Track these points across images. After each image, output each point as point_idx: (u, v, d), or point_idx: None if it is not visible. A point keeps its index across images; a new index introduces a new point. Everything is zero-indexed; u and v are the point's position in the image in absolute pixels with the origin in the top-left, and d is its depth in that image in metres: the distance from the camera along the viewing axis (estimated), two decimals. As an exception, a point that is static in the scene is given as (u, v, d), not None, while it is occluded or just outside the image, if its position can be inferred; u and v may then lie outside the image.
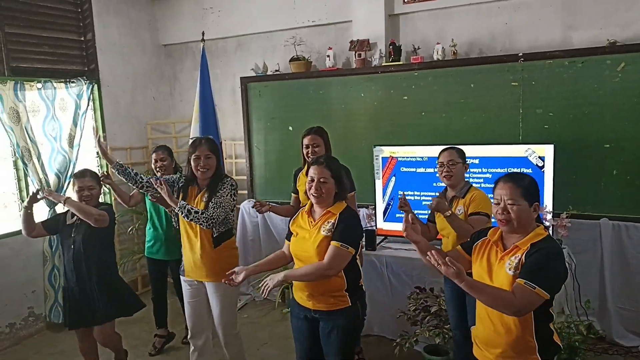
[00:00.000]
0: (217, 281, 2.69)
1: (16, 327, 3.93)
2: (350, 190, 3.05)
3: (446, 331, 2.99)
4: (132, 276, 4.75)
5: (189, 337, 2.96)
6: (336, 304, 2.24)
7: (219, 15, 4.87)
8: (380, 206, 3.77)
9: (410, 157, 3.66)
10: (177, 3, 5.10)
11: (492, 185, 2.71)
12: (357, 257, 2.31)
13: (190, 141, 2.84)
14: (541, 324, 1.82)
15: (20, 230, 3.93)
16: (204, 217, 2.60)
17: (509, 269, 1.79)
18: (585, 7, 3.58)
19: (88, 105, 4.41)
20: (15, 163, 4.01)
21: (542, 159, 3.24)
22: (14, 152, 3.92)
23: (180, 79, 5.32)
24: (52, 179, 4.07)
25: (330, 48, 4.30)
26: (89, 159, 4.61)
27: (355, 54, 4.16)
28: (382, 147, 3.76)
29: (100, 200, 3.07)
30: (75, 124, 4.26)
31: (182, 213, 2.60)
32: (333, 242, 2.17)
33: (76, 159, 4.25)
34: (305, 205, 2.39)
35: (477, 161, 3.42)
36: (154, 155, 3.51)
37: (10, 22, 3.97)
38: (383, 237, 3.78)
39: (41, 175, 3.98)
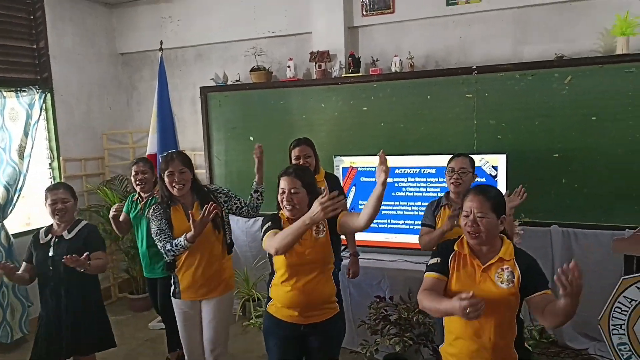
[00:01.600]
0: (219, 295, 2.65)
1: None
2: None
3: (406, 339, 3.01)
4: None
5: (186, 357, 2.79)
6: (328, 313, 2.24)
7: (178, 25, 4.82)
8: (341, 216, 3.78)
9: (370, 167, 3.70)
10: (135, 12, 5.02)
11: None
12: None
13: (161, 157, 2.69)
14: (519, 333, 1.88)
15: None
16: (246, 210, 2.79)
17: (502, 283, 1.80)
18: (535, 23, 3.74)
19: (40, 114, 4.26)
20: (-41, 175, 3.82)
21: (495, 168, 3.34)
22: (-41, 163, 3.74)
23: (139, 88, 5.21)
24: (0, 192, 3.89)
25: (290, 59, 4.32)
26: (40, 170, 4.44)
27: (315, 65, 4.20)
28: (342, 157, 3.79)
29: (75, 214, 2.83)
30: (26, 134, 4.10)
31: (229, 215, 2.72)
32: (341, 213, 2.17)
33: (27, 171, 4.08)
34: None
35: (434, 171, 3.50)
36: (134, 168, 3.31)
37: (-44, 28, 3.81)
38: (344, 246, 3.79)
39: (-12, 188, 3.81)
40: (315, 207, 1.95)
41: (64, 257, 2.37)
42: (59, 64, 4.55)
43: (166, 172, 2.56)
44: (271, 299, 2.30)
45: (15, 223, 4.11)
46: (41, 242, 2.68)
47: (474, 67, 3.69)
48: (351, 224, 2.15)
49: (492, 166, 3.34)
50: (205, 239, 2.55)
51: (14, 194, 3.99)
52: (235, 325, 4.14)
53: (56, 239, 2.66)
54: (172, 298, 2.70)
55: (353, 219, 2.14)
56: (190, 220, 2.39)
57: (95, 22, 4.94)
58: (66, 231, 2.69)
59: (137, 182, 3.28)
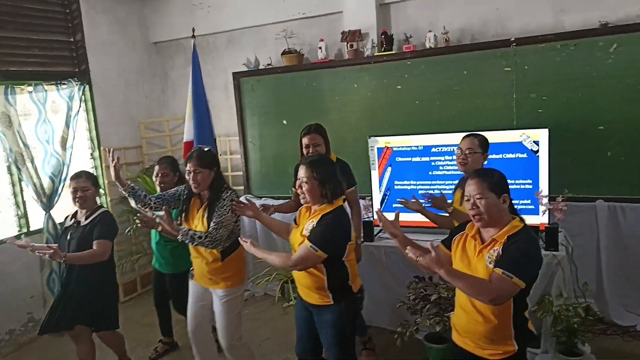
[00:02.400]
0: (224, 288, 2.70)
1: (16, 333, 3.93)
2: (350, 186, 3.06)
3: (446, 319, 2.99)
4: (130, 277, 4.75)
5: (190, 335, 2.89)
6: (320, 300, 2.34)
7: (208, 11, 4.83)
8: (377, 197, 3.76)
9: (406, 147, 3.65)
10: (165, 0, 5.06)
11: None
12: (345, 258, 2.32)
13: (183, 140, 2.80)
14: (518, 313, 1.89)
15: (17, 235, 3.97)
16: (207, 241, 2.54)
17: (489, 262, 1.84)
18: (576, -11, 3.56)
19: (80, 106, 4.38)
20: (8, 168, 3.98)
21: (536, 143, 3.24)
22: (7, 157, 3.89)
23: (172, 76, 5.28)
24: (46, 183, 4.05)
25: (321, 40, 4.28)
26: (82, 160, 4.59)
27: (347, 45, 4.14)
28: (377, 138, 3.75)
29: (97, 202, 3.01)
30: (67, 126, 4.23)
31: (186, 240, 2.57)
32: (306, 241, 2.23)
33: (70, 162, 4.22)
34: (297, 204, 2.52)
35: (472, 148, 3.41)
36: (156, 168, 3.32)
37: (-2, 25, 3.94)
38: (380, 228, 3.78)
39: (35, 180, 3.96)
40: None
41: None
42: (95, 55, 4.64)
43: (187, 169, 2.65)
44: None
45: (61, 212, 4.26)
46: (66, 225, 2.93)
47: (512, 39, 3.56)
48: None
49: (534, 141, 3.24)
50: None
51: (59, 184, 4.14)
52: (275, 307, 4.23)
53: (76, 224, 2.87)
54: (190, 279, 2.86)
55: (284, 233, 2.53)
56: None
57: (127, 12, 5.01)
58: (84, 217, 2.89)
59: (159, 184, 3.29)
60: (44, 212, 4.03)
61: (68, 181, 4.16)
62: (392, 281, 3.50)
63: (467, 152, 2.69)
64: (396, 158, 3.69)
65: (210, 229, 2.55)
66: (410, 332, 3.11)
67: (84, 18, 4.54)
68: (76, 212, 2.96)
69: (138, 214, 2.74)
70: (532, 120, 3.52)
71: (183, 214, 2.74)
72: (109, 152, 2.86)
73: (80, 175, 2.89)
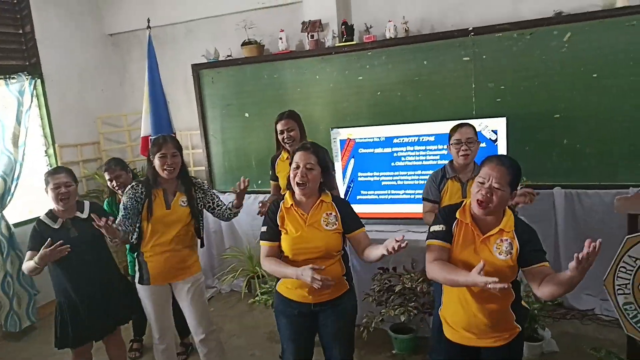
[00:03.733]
0: (193, 274, 2.66)
1: (-29, 338, 3.77)
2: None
3: (410, 309, 3.01)
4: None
5: (158, 340, 2.73)
6: (338, 290, 2.19)
7: (165, 1, 4.68)
8: (341, 189, 3.74)
9: (368, 138, 3.64)
10: (120, -11, 4.88)
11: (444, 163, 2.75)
12: None
13: (152, 140, 2.65)
14: (515, 295, 1.89)
15: None
16: (230, 218, 2.77)
17: (500, 254, 1.80)
18: (532, -21, 3.60)
19: (32, 101, 4.19)
20: (-45, 167, 3.79)
21: (495, 132, 3.27)
22: (-48, 156, 3.70)
23: (130, 69, 5.11)
24: (-3, 182, 3.87)
25: (282, 30, 4.21)
26: (36, 158, 4.41)
27: (307, 36, 4.08)
28: (339, 130, 3.73)
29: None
30: (18, 122, 4.03)
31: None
32: (362, 229, 2.18)
33: (22, 160, 4.04)
34: (282, 200, 2.24)
35: (432, 138, 3.44)
36: (106, 175, 3.10)
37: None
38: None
39: (-16, 179, 3.78)
40: (308, 274, 1.96)
41: (98, 225, 2.32)
42: (47, 48, 4.45)
43: (158, 154, 2.51)
44: (280, 279, 2.26)
45: (15, 213, 4.09)
46: (54, 227, 2.58)
47: (471, 28, 3.58)
48: (359, 249, 2.17)
49: (492, 130, 3.27)
50: (180, 226, 2.57)
51: (12, 183, 3.96)
52: (242, 303, 4.18)
53: (70, 221, 2.60)
54: (139, 285, 2.63)
55: (362, 246, 2.16)
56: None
57: (79, 2, 4.81)
58: (78, 212, 2.65)
59: (116, 187, 3.09)
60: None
61: (23, 178, 4.01)
62: (357, 274, 3.49)
63: (468, 141, 2.63)
64: (359, 149, 3.68)
65: (215, 204, 2.71)
66: (376, 323, 3.12)
67: (34, 9, 4.35)
68: (51, 212, 2.63)
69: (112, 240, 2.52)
70: (491, 109, 3.55)
71: (147, 212, 2.53)
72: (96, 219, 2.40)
73: (59, 172, 2.62)
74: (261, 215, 2.59)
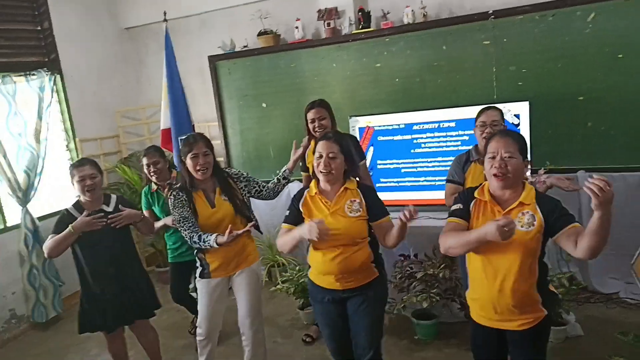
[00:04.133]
0: (248, 265, 2.63)
1: (-1, 330, 3.86)
2: (362, 159, 3.02)
3: (433, 295, 3.00)
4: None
5: (202, 335, 2.67)
6: (366, 277, 2.19)
7: (179, -7, 4.69)
8: (360, 177, 3.73)
9: (387, 126, 3.61)
10: (135, -17, 4.89)
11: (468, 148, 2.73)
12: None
13: (182, 140, 2.62)
14: (542, 276, 1.87)
15: (-5, 231, 3.85)
16: (280, 190, 2.76)
17: (522, 227, 1.78)
18: (553, -42, 3.51)
19: (52, 97, 4.24)
20: (-20, 163, 3.86)
21: (517, 116, 3.22)
22: (-22, 152, 3.77)
23: (147, 63, 5.14)
24: (21, 177, 3.93)
25: (298, 19, 4.18)
26: (58, 153, 4.47)
27: (324, 24, 4.06)
28: (358, 118, 3.70)
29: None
30: (40, 117, 4.10)
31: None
32: (387, 218, 2.15)
33: (45, 154, 4.10)
34: (307, 188, 2.26)
35: (453, 124, 3.39)
36: (144, 160, 3.14)
37: (-41, 15, 3.77)
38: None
39: (9, 174, 3.85)
40: (307, 228, 2.01)
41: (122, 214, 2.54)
42: (65, 44, 4.49)
43: (189, 154, 2.45)
44: (310, 266, 2.30)
45: (38, 206, 4.17)
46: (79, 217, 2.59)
47: (491, 11, 3.52)
48: (382, 237, 2.16)
49: (514, 114, 3.22)
50: (229, 220, 2.51)
51: (35, 178, 4.02)
52: (263, 291, 4.17)
53: (95, 213, 2.57)
54: (199, 279, 2.63)
55: (385, 234, 2.14)
56: (228, 229, 2.35)
57: (96, -2, 4.85)
58: (104, 204, 2.65)
59: (152, 174, 3.15)
60: (21, 207, 3.93)
61: (46, 173, 4.07)
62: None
63: (492, 124, 2.61)
64: (378, 137, 3.65)
65: (261, 187, 2.68)
66: (398, 309, 3.12)
67: (51, 6, 4.38)
68: (78, 203, 2.64)
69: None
70: (513, 93, 3.50)
71: (199, 213, 2.50)
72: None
73: (84, 164, 2.62)
74: None
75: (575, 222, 1.75)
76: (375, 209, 2.18)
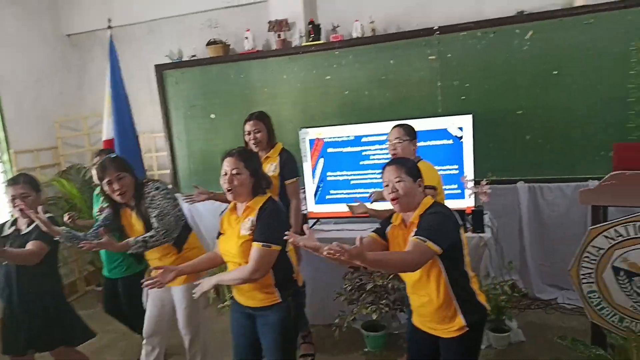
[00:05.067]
0: (187, 282, 2.54)
1: None
2: (291, 176, 3.04)
3: (382, 306, 3.01)
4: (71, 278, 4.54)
5: (145, 339, 2.70)
6: (266, 300, 2.16)
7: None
8: (311, 189, 3.72)
9: (337, 137, 3.63)
10: (78, -12, 4.71)
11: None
12: (287, 249, 2.19)
13: (94, 168, 2.58)
14: (459, 286, 1.94)
15: None
16: (160, 235, 2.38)
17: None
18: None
19: (-16, 105, 3.99)
20: None
21: (460, 129, 3.32)
22: None
23: (90, 71, 4.94)
24: (-53, 190, 3.66)
25: (248, 30, 4.16)
26: (-9, 164, 4.20)
27: (275, 35, 4.05)
28: (308, 130, 3.70)
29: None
30: (-31, 126, 3.84)
31: (140, 248, 2.38)
32: (254, 244, 2.05)
33: (-24, 166, 3.84)
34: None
35: (400, 136, 3.45)
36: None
37: None
38: (315, 220, 3.75)
39: None
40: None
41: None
42: (1, 48, 4.25)
43: (104, 181, 2.41)
44: None
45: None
46: (3, 234, 2.59)
47: (436, 27, 3.63)
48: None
49: (458, 127, 3.31)
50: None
51: (-36, 192, 3.76)
52: (211, 308, 4.08)
53: (15, 234, 2.57)
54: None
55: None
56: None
57: (35, 1, 4.62)
58: (25, 225, 2.58)
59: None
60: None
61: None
62: (329, 273, 3.46)
63: (395, 141, 2.74)
64: (328, 149, 3.66)
65: (155, 223, 2.40)
66: (348, 322, 3.10)
67: (-14, 8, 4.14)
68: (16, 219, 2.63)
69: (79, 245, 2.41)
70: (457, 106, 3.61)
71: (118, 234, 2.51)
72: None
73: (17, 182, 2.54)
74: (192, 201, 3.04)
75: (421, 237, 1.79)
76: (258, 231, 2.07)
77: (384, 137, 3.49)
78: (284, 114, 4.10)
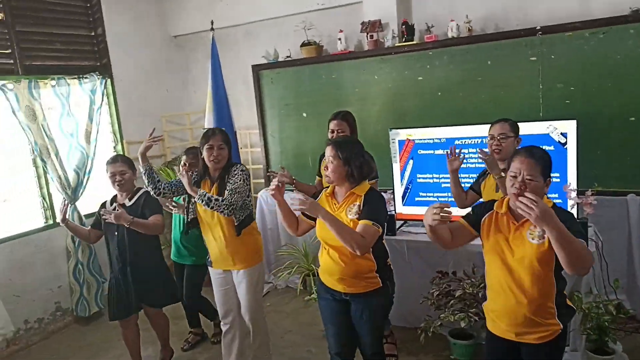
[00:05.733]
0: (244, 268, 2.78)
1: (44, 322, 4.02)
2: (372, 178, 3.03)
3: (471, 315, 2.95)
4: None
5: (221, 321, 3.01)
6: (368, 286, 2.29)
7: (227, 3, 4.81)
8: (399, 190, 3.71)
9: (428, 139, 3.58)
10: (184, -8, 5.05)
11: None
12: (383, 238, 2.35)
13: (203, 132, 2.81)
14: (559, 289, 1.88)
15: (43, 227, 4.05)
16: (224, 205, 2.59)
17: (532, 239, 1.82)
18: (606, -26, 3.44)
19: (102, 100, 4.42)
20: (34, 161, 4.05)
21: (564, 135, 3.14)
22: (32, 150, 3.96)
23: (193, 70, 5.29)
24: (71, 176, 4.11)
25: (341, 31, 4.22)
26: (106, 154, 4.63)
27: (367, 36, 4.08)
28: (398, 130, 3.69)
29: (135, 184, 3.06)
30: (90, 119, 4.28)
31: (202, 201, 2.60)
32: (364, 221, 2.17)
33: (94, 155, 4.28)
34: (327, 187, 2.43)
35: (496, 140, 3.34)
36: (184, 159, 3.28)
37: (21, 20, 3.99)
38: (403, 221, 3.73)
39: (60, 172, 4.02)
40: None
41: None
42: (116, 49, 4.67)
43: (206, 145, 2.67)
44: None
45: (86, 204, 4.33)
46: (108, 209, 2.91)
47: (538, 27, 3.46)
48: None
49: (561, 133, 3.14)
50: (215, 221, 2.73)
51: (84, 177, 4.20)
52: (297, 300, 4.23)
53: (118, 207, 2.89)
54: (209, 266, 2.93)
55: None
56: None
57: (146, 5, 5.03)
58: (127, 199, 2.96)
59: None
60: (69, 205, 4.10)
61: (94, 172, 4.25)
62: (416, 275, 3.45)
63: (499, 137, 2.64)
64: (418, 151, 3.63)
65: (226, 194, 2.62)
66: (434, 327, 3.07)
67: (104, 12, 4.57)
68: (114, 197, 3.02)
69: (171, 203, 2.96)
70: (560, 111, 3.41)
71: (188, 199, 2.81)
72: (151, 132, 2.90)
73: (116, 160, 2.97)
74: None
75: (580, 239, 1.71)
76: (365, 212, 2.21)
77: (477, 140, 3.42)
78: (374, 115, 4.12)
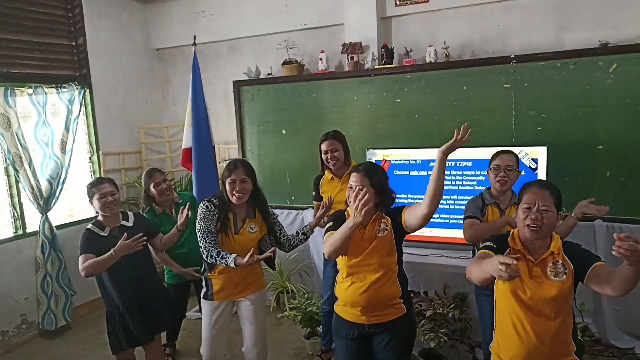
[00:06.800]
0: (259, 290, 2.71)
1: (9, 334, 3.90)
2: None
3: (441, 335, 2.97)
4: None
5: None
6: (393, 314, 2.18)
7: (210, 19, 4.86)
8: (374, 209, 3.75)
9: (404, 160, 3.65)
10: (168, 7, 5.09)
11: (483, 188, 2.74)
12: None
13: (226, 163, 2.71)
14: (574, 324, 1.88)
15: (12, 237, 3.96)
16: (295, 246, 2.75)
17: (555, 276, 1.81)
18: (578, 9, 3.59)
19: (80, 110, 4.38)
20: (6, 169, 3.98)
21: (535, 160, 3.23)
22: (5, 158, 3.89)
23: (173, 83, 5.30)
24: (44, 185, 4.04)
25: (322, 51, 4.29)
26: (80, 164, 4.58)
27: (347, 57, 4.15)
28: (375, 150, 3.75)
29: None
30: (67, 129, 4.23)
31: (294, 242, 2.72)
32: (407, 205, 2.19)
33: (68, 165, 4.22)
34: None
35: (470, 164, 3.42)
36: (155, 179, 3.26)
37: (0, 27, 3.95)
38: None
39: (32, 182, 3.95)
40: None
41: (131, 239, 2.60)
42: (96, 59, 4.66)
43: (228, 179, 2.52)
44: (337, 297, 2.29)
45: (58, 215, 4.26)
46: (103, 235, 2.70)
47: (512, 56, 3.58)
48: (415, 213, 2.09)
49: (532, 159, 3.23)
50: (245, 251, 2.46)
51: (57, 187, 4.13)
52: (270, 317, 4.18)
53: (116, 233, 2.69)
54: (203, 300, 2.68)
55: (416, 208, 2.10)
56: (251, 252, 2.36)
57: (130, 17, 5.04)
58: (124, 220, 2.79)
59: (165, 192, 3.28)
60: (40, 215, 4.02)
61: (68, 182, 4.18)
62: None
63: (506, 169, 2.64)
64: (394, 171, 3.68)
65: (282, 234, 2.70)
66: (404, 347, 3.08)
67: (87, 22, 4.57)
68: (98, 220, 2.76)
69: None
70: (531, 137, 3.52)
71: (221, 233, 2.55)
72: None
73: (103, 182, 2.76)
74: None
75: (600, 260, 1.77)
76: (397, 216, 2.19)
77: (452, 163, 3.49)
78: (352, 135, 4.14)
